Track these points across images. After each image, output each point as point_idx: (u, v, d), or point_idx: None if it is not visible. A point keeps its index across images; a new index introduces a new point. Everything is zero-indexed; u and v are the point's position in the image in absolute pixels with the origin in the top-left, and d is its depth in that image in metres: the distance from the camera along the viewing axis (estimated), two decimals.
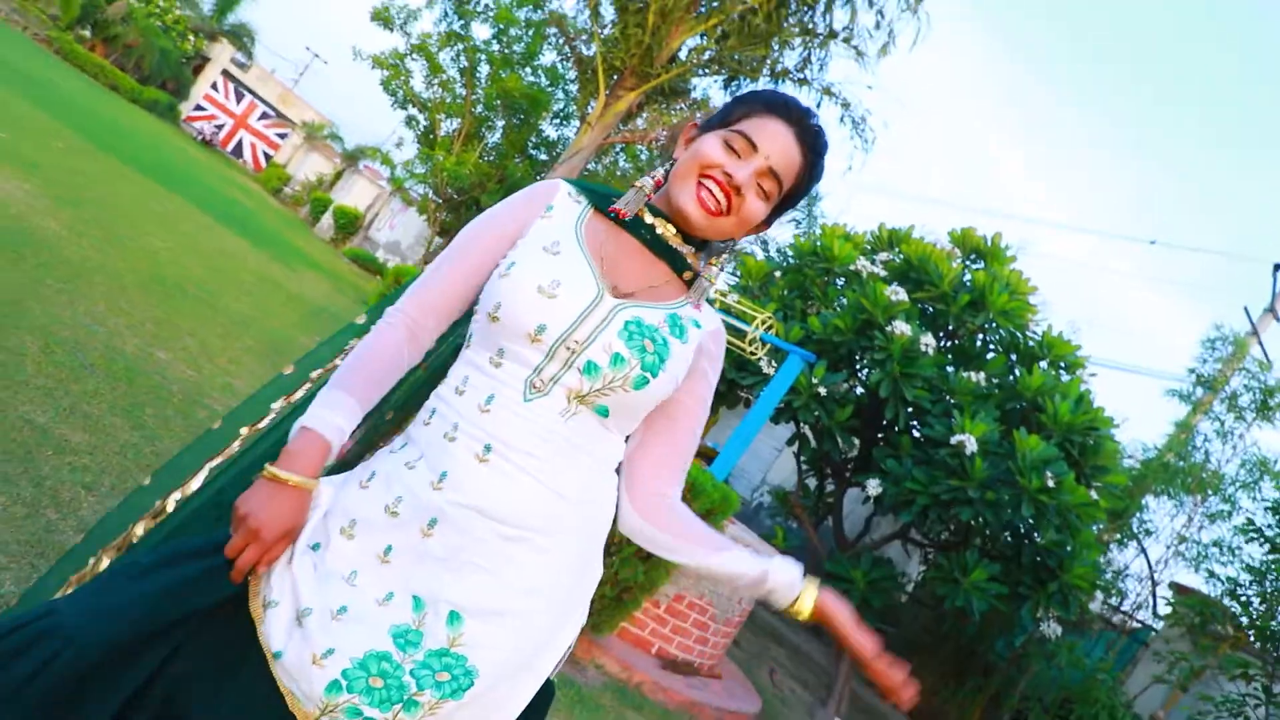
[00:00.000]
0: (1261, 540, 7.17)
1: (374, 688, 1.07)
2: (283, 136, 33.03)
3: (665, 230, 1.29)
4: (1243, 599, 7.34)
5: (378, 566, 1.13)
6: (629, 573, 4.21)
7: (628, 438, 1.30)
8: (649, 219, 1.29)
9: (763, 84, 12.72)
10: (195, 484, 1.35)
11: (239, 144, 32.84)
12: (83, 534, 2.55)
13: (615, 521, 1.31)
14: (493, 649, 1.12)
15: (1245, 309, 12.26)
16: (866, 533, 8.35)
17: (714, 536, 1.32)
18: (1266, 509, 7.37)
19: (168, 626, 1.07)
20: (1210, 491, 8.83)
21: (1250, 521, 7.33)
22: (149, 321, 5.11)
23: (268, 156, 32.71)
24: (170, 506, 1.32)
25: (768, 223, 1.34)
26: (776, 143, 1.26)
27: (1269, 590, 7.14)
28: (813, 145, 1.29)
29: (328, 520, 1.16)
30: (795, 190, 1.31)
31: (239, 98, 32.52)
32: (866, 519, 8.47)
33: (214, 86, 31.99)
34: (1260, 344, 11.15)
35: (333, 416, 1.17)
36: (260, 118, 32.97)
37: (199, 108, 31.71)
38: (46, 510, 2.58)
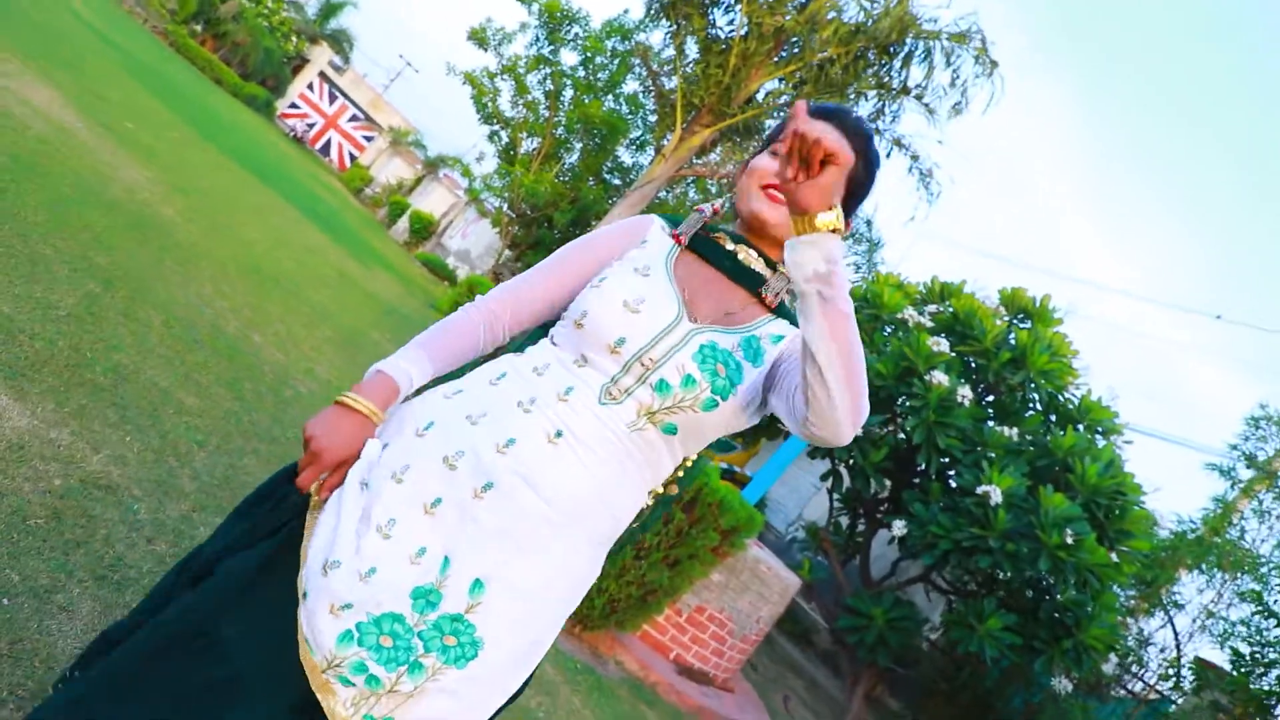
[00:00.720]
0: (1267, 614, 7.25)
1: (383, 646, 1.12)
2: (369, 139, 34.27)
3: (746, 255, 1.35)
4: (1244, 669, 7.43)
5: (420, 516, 1.16)
6: (655, 576, 4.57)
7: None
8: (730, 246, 1.36)
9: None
10: None
11: (327, 143, 34.18)
12: (196, 482, 3.03)
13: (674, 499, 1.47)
14: (503, 625, 1.17)
15: None
16: (892, 575, 8.57)
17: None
18: None
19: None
20: (1243, 570, 8.85)
21: (1258, 594, 7.42)
22: (246, 307, 5.65)
23: (353, 157, 33.97)
24: None
25: (847, 223, 1.31)
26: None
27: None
28: (858, 133, 1.32)
29: (380, 463, 1.21)
30: (855, 180, 1.34)
31: (332, 99, 33.90)
32: (893, 562, 8.70)
33: (310, 87, 33.43)
34: None
35: (408, 366, 1.26)
36: (350, 120, 34.30)
37: (293, 105, 33.15)
38: (169, 459, 3.05)
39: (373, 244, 18.06)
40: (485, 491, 1.16)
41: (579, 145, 17.20)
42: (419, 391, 1.32)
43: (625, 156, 17.98)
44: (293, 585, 1.17)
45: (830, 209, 1.09)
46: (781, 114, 13.46)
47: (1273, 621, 7.59)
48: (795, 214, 1.10)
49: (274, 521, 1.26)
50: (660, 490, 1.37)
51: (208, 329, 4.63)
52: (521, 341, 1.39)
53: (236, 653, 1.15)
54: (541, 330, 1.40)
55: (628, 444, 1.22)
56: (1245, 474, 9.19)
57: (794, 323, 1.37)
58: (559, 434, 1.19)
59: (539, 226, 16.75)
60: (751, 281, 1.35)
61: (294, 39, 32.15)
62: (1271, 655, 7.38)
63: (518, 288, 1.38)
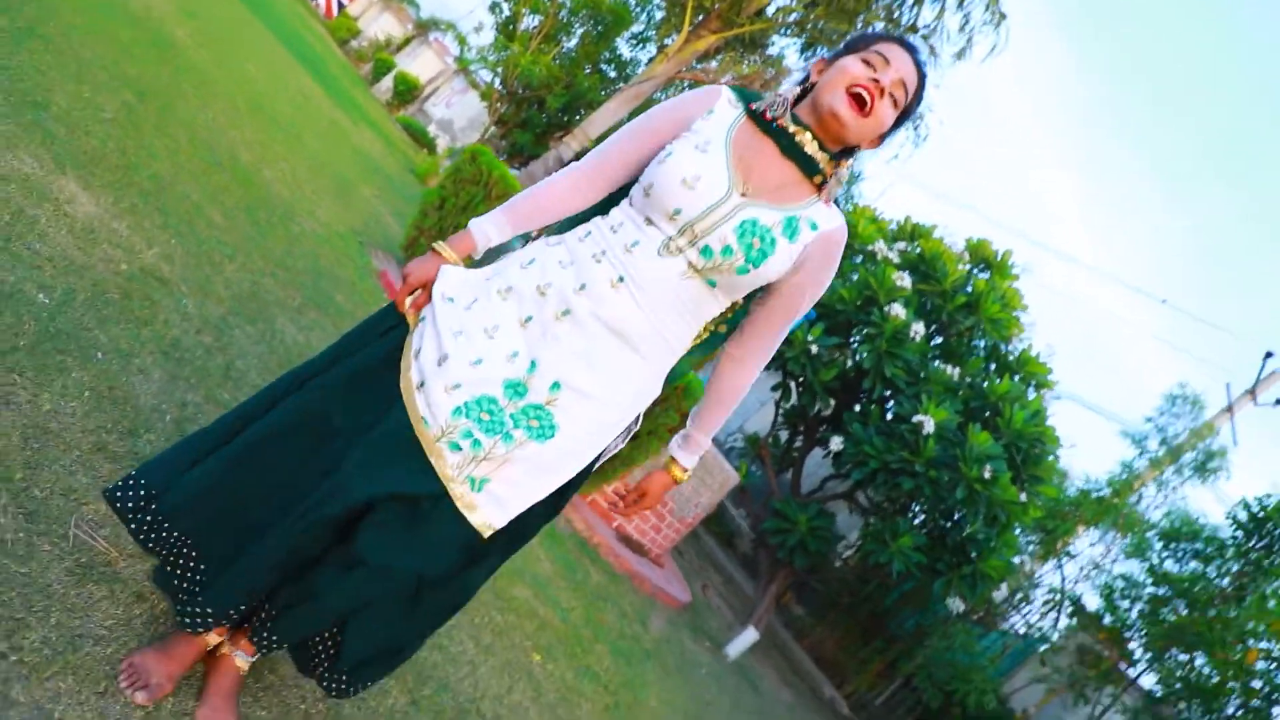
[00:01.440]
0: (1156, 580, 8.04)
1: (483, 420, 1.46)
2: None
3: (803, 138, 1.54)
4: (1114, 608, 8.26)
5: (516, 328, 1.51)
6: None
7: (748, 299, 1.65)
8: (791, 128, 1.55)
9: None
10: None
11: None
12: (229, 290, 3.31)
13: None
14: (572, 418, 1.50)
15: (1227, 386, 12.96)
16: (819, 490, 9.20)
17: (704, 418, 1.74)
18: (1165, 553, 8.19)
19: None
20: (1133, 532, 9.67)
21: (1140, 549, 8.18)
22: (255, 143, 5.79)
23: (341, 5, 32.70)
24: None
25: (884, 138, 1.61)
26: (903, 62, 1.55)
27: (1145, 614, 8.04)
28: (922, 70, 1.60)
29: (489, 283, 1.56)
30: (909, 106, 1.59)
31: None
32: (823, 479, 9.32)
33: None
34: (1232, 422, 11.92)
35: (489, 228, 1.60)
36: None
37: None
38: (205, 266, 3.32)
39: (357, 99, 17.75)
40: (564, 316, 1.50)
41: (580, 31, 16.98)
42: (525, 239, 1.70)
43: (624, 50, 17.80)
44: (395, 385, 1.52)
45: (677, 480, 1.75)
46: (787, 32, 13.50)
47: (1148, 578, 8.38)
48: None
49: (379, 343, 1.60)
50: (712, 327, 1.68)
51: (226, 155, 4.81)
52: (605, 203, 1.67)
53: (348, 434, 1.53)
54: (623, 191, 1.66)
55: (678, 289, 1.53)
56: (1157, 446, 9.93)
57: (837, 203, 1.63)
58: (620, 279, 1.50)
59: (529, 107, 16.66)
60: (804, 163, 1.54)
61: None
62: (1139, 599, 8.15)
63: (606, 153, 1.64)
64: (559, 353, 1.50)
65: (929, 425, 6.94)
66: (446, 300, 1.55)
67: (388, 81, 25.11)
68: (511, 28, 16.87)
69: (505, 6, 17.28)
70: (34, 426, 1.83)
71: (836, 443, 7.53)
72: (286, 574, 1.51)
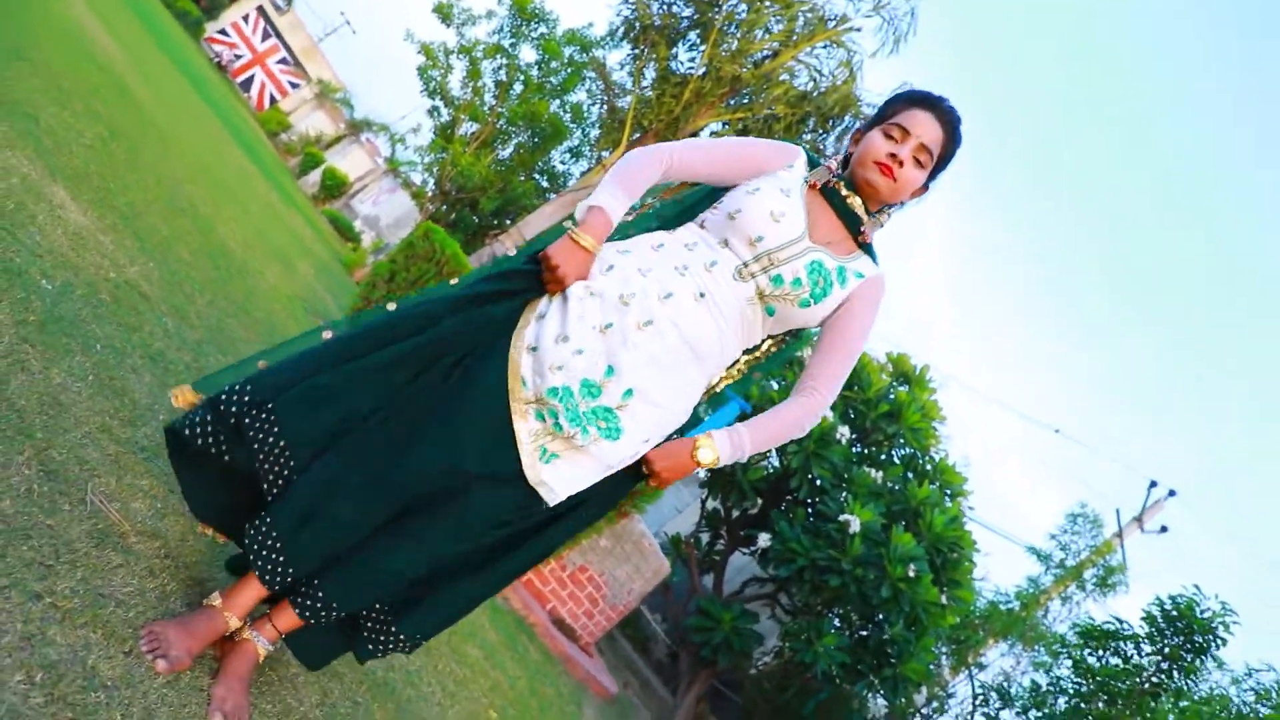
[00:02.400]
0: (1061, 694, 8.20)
1: (568, 408, 1.52)
2: (295, 86, 33.23)
3: (853, 201, 1.74)
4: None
5: (596, 334, 1.56)
6: None
7: (788, 335, 1.83)
8: (844, 192, 1.75)
9: None
10: None
11: (250, 79, 32.90)
12: (200, 322, 3.25)
13: None
14: (639, 421, 1.58)
15: (1117, 511, 13.62)
16: (740, 593, 9.18)
17: (759, 433, 1.69)
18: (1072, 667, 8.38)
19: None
20: (1041, 646, 9.90)
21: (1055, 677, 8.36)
22: (209, 200, 5.75)
23: (273, 100, 32.82)
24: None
25: (926, 186, 1.79)
26: (923, 125, 1.71)
27: None
28: (950, 122, 1.73)
29: (588, 282, 1.61)
30: (944, 156, 1.75)
31: (265, 37, 32.74)
32: (744, 583, 9.32)
33: (245, 18, 32.31)
34: (1122, 547, 12.50)
35: (615, 204, 1.63)
36: (279, 61, 33.17)
37: (223, 32, 31.85)
38: (180, 292, 3.27)
39: (286, 187, 17.74)
40: (646, 326, 1.57)
41: (516, 140, 17.51)
42: None
43: (557, 162, 18.38)
44: (506, 342, 1.57)
45: (698, 463, 1.63)
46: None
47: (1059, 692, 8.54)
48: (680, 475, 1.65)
49: (504, 303, 1.63)
50: (744, 368, 1.86)
51: (187, 203, 4.77)
52: (670, 221, 1.81)
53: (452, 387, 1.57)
54: (685, 213, 1.82)
55: (744, 311, 1.67)
56: (1059, 563, 10.30)
57: (875, 259, 1.79)
58: (702, 295, 1.62)
59: (462, 208, 16.92)
60: (852, 222, 1.75)
61: None
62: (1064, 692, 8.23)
63: (695, 154, 1.75)
64: (636, 359, 1.56)
65: (855, 525, 7.09)
66: (585, 290, 1.60)
67: (315, 175, 25.16)
68: (449, 131, 17.27)
69: (444, 111, 17.73)
70: (47, 396, 1.77)
71: (764, 539, 7.60)
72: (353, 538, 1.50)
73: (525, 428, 1.52)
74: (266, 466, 1.52)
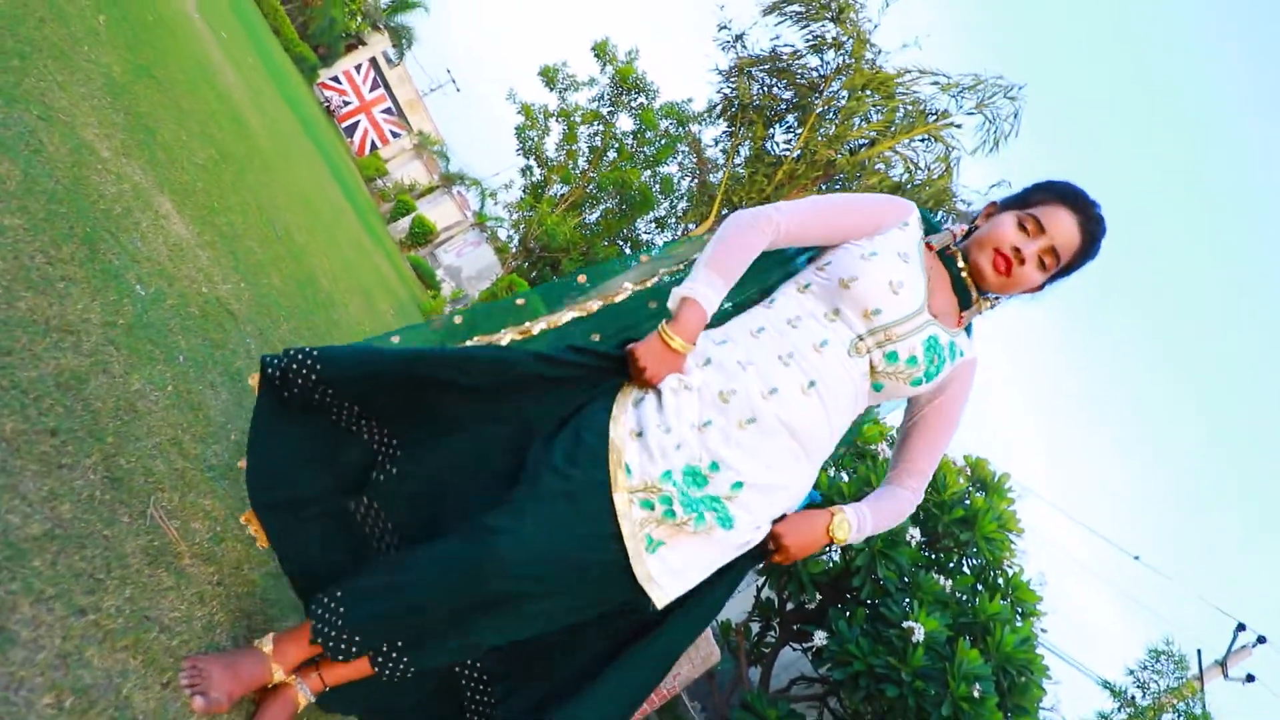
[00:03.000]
0: None
1: (685, 494, 1.40)
2: (396, 135, 34.62)
3: (968, 277, 1.61)
4: None
5: (694, 432, 1.44)
6: None
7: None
8: (960, 263, 1.61)
9: None
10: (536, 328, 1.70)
11: (354, 125, 34.42)
12: (283, 345, 3.22)
13: None
14: (748, 510, 1.46)
15: (1199, 651, 12.77)
16: (788, 690, 8.76)
17: (877, 515, 1.60)
18: None
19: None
20: None
21: None
22: (302, 229, 5.86)
23: (374, 147, 34.23)
24: (535, 330, 1.70)
25: (1042, 287, 1.63)
26: (1062, 227, 1.54)
27: None
28: (1091, 231, 1.56)
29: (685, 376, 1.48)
30: (1072, 264, 1.59)
31: (374, 86, 34.31)
32: (791, 680, 8.90)
33: (357, 68, 33.90)
34: (1202, 691, 11.67)
35: (712, 295, 1.47)
36: (383, 111, 34.67)
37: (335, 79, 33.50)
38: (266, 315, 3.25)
39: (376, 229, 18.26)
40: (749, 424, 1.45)
41: (604, 205, 17.74)
42: None
43: (641, 230, 18.54)
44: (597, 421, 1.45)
45: (825, 545, 1.54)
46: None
47: None
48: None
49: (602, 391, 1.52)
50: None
51: (284, 231, 4.83)
52: (768, 292, 1.66)
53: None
54: (777, 273, 1.68)
55: (857, 389, 1.53)
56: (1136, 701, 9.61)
57: (970, 335, 1.67)
58: (812, 384, 1.48)
59: (543, 266, 17.11)
60: (964, 296, 1.62)
61: (359, 18, 32.74)
62: None
63: (805, 217, 1.58)
64: (740, 455, 1.45)
65: (919, 633, 6.69)
66: (677, 379, 1.48)
67: (405, 222, 25.93)
68: (540, 191, 17.61)
69: (537, 171, 18.11)
70: (124, 401, 1.70)
71: (819, 637, 7.23)
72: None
73: (629, 519, 1.38)
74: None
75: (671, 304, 1.49)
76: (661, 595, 1.41)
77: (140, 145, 2.89)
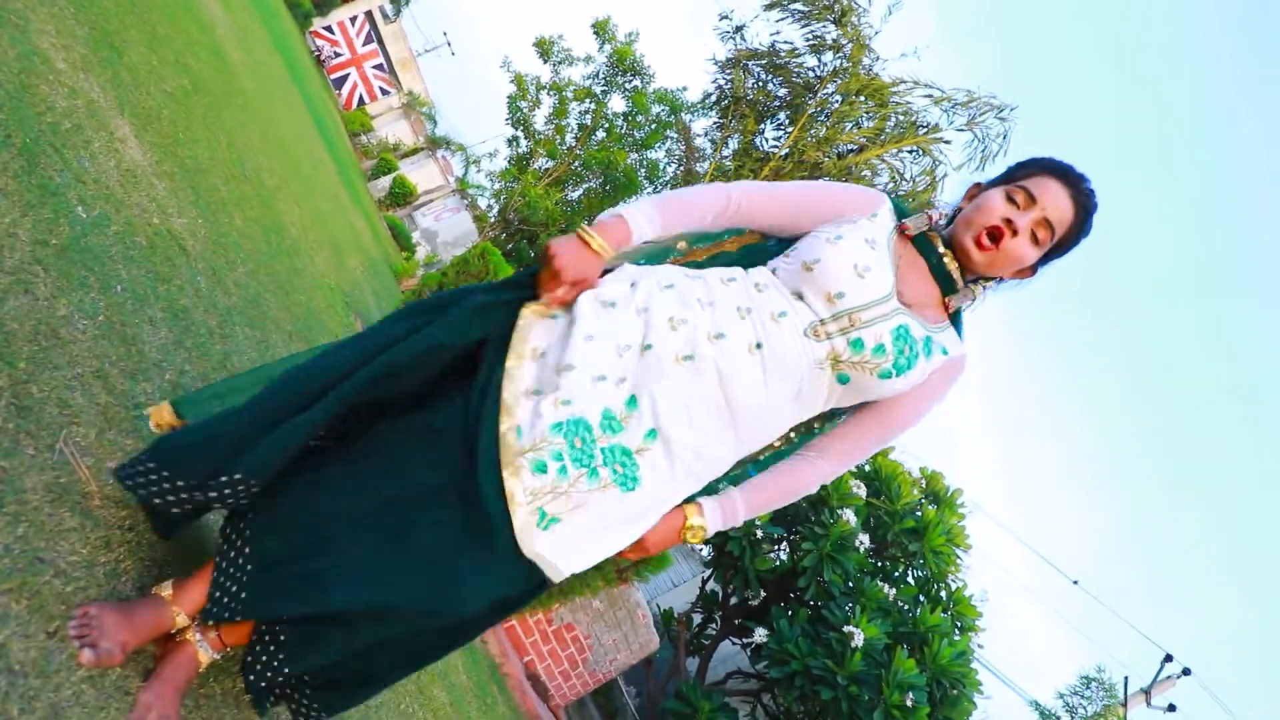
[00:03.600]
0: None
1: (575, 446, 1.29)
2: (385, 93, 34.08)
3: (950, 262, 1.51)
4: None
5: (632, 354, 1.35)
6: None
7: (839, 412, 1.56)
8: (940, 249, 1.52)
9: None
10: None
11: (344, 78, 33.79)
12: (237, 289, 3.11)
13: None
14: (657, 475, 1.35)
15: (1125, 679, 13.00)
16: (723, 683, 8.77)
17: (755, 495, 1.50)
18: None
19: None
20: None
21: None
22: (276, 173, 5.69)
23: (361, 101, 33.68)
24: None
25: (1034, 269, 1.54)
26: (1054, 198, 1.46)
27: None
28: (1084, 204, 1.48)
29: (633, 290, 1.39)
30: (1065, 241, 1.50)
31: (367, 41, 33.68)
32: (727, 674, 8.91)
33: (352, 19, 33.29)
34: (1124, 716, 11.89)
35: (644, 222, 1.40)
36: (375, 66, 34.06)
37: (328, 29, 32.88)
38: (221, 256, 3.12)
39: (356, 185, 17.95)
40: (685, 360, 1.35)
41: (588, 185, 17.59)
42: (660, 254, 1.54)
43: None
44: (491, 379, 1.33)
45: (686, 537, 1.44)
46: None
47: None
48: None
49: (481, 318, 1.40)
50: (793, 435, 1.55)
51: (254, 172, 4.68)
52: (743, 258, 1.55)
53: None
54: (762, 253, 1.56)
55: (808, 376, 1.41)
56: None
57: (961, 334, 1.56)
58: (759, 345, 1.38)
59: (521, 239, 16.95)
60: (945, 284, 1.52)
61: None
62: None
63: (765, 197, 1.51)
64: (663, 393, 1.33)
65: (859, 638, 6.73)
66: (597, 303, 1.38)
67: (385, 181, 25.52)
68: (525, 163, 17.41)
69: (524, 143, 17.90)
70: (46, 325, 1.59)
71: (761, 634, 7.24)
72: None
73: (521, 486, 1.27)
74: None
75: (601, 216, 1.42)
76: (555, 573, 1.32)
77: (103, 63, 2.75)
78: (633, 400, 1.33)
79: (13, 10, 2.18)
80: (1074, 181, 1.48)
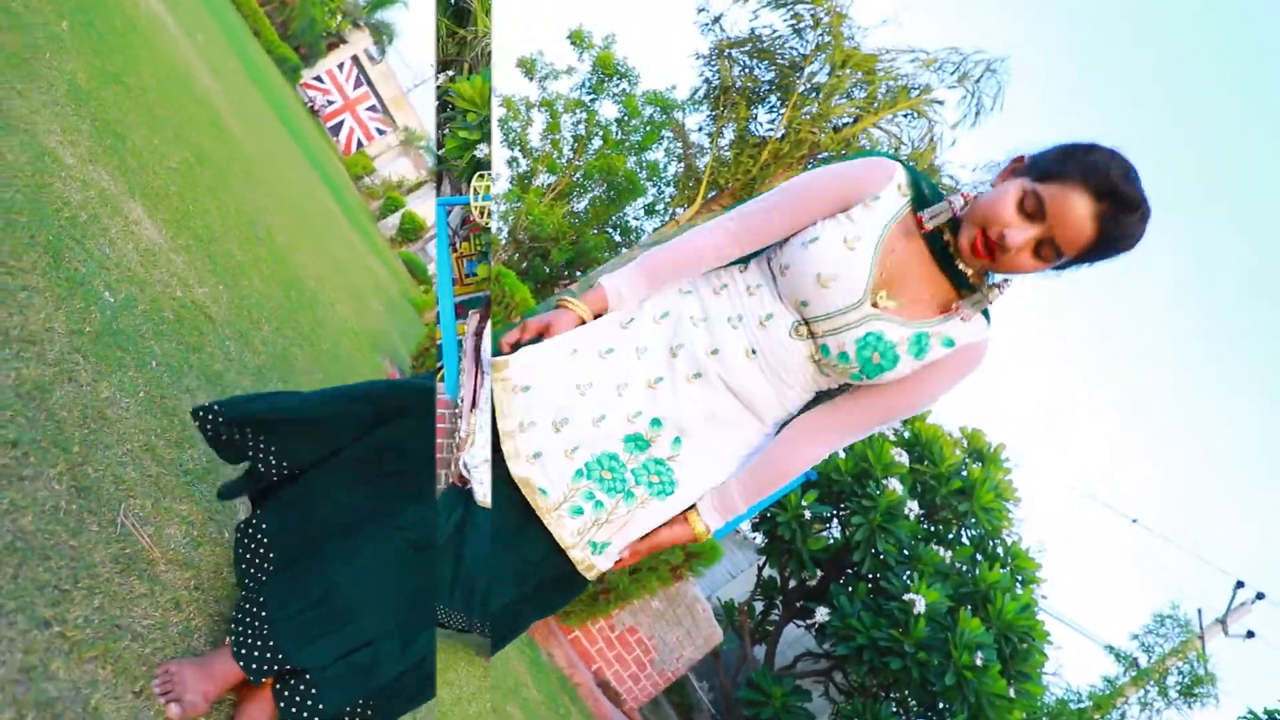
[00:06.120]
0: None
1: (604, 479, 1.38)
2: (381, 133, 34.45)
3: (962, 263, 1.39)
4: None
5: (644, 389, 1.43)
6: (614, 576, 4.77)
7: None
8: (947, 236, 1.40)
9: None
10: None
11: (340, 125, 34.20)
12: (265, 349, 3.21)
13: None
14: (692, 472, 1.43)
15: (1199, 611, 12.83)
16: (792, 667, 8.80)
17: (751, 483, 1.47)
18: None
19: None
20: None
21: None
22: (289, 230, 5.83)
23: (360, 145, 34.05)
24: None
25: (1061, 268, 1.36)
26: (1068, 216, 1.28)
27: None
28: (1109, 227, 1.28)
29: (625, 333, 1.45)
30: (1085, 257, 1.33)
31: (357, 85, 34.07)
32: (795, 658, 8.94)
33: (339, 67, 33.69)
34: (1203, 649, 11.73)
35: (623, 287, 1.45)
36: (368, 109, 34.44)
37: (318, 79, 33.30)
38: (245, 319, 3.23)
39: (366, 228, 18.20)
40: (694, 379, 1.43)
41: (592, 194, 17.66)
42: None
43: (630, 217, 18.47)
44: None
45: (696, 534, 1.47)
46: None
47: None
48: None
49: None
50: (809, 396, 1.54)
51: (265, 233, 4.81)
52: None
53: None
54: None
55: (804, 366, 1.44)
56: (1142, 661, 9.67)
57: (987, 318, 1.46)
58: (754, 351, 1.43)
59: (534, 257, 17.05)
60: (954, 277, 1.41)
61: (339, 17, 32.53)
62: None
63: (756, 216, 1.47)
64: (686, 411, 1.43)
65: (920, 605, 6.73)
66: (573, 354, 1.44)
67: (394, 219, 25.87)
68: (527, 182, 17.51)
69: (523, 162, 18.02)
70: (92, 409, 1.69)
71: (822, 613, 7.27)
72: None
73: (566, 532, 1.39)
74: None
75: (577, 289, 1.50)
76: (596, 573, 1.44)
77: (108, 151, 2.87)
78: (656, 421, 1.42)
79: (19, 116, 2.29)
80: (1107, 194, 1.26)
